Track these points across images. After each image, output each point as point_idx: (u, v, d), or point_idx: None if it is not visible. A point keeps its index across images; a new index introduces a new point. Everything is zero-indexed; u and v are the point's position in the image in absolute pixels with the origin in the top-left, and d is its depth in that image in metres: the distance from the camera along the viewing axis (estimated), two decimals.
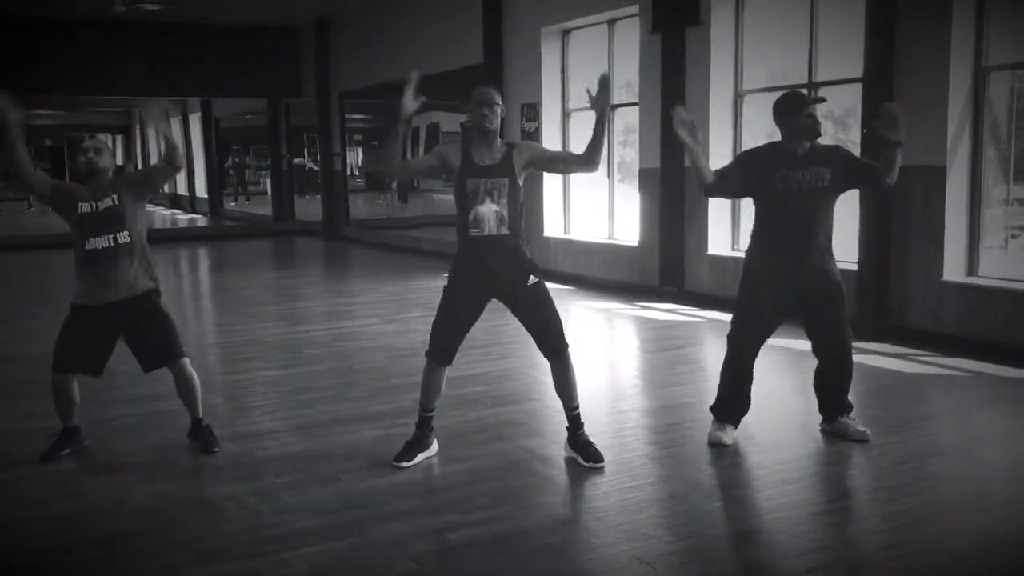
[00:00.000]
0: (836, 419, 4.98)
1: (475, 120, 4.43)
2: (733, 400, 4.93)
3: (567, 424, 4.71)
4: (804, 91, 4.92)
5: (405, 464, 4.61)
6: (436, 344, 4.61)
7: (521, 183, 4.51)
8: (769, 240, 4.76)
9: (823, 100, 4.84)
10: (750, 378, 4.91)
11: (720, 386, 4.97)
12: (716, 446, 4.83)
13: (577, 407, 4.68)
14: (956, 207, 7.23)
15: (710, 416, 5.01)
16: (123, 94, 20.18)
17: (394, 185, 22.76)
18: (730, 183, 4.84)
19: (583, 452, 4.61)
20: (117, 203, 4.71)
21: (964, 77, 7.14)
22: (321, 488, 4.36)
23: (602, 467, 4.53)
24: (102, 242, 4.68)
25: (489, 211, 4.41)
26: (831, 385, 4.97)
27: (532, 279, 4.50)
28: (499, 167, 4.43)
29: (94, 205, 4.69)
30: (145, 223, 4.93)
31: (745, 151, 5.02)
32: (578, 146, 12.41)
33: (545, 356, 4.63)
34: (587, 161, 4.50)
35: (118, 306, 4.73)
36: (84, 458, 4.84)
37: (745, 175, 4.77)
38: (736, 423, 4.94)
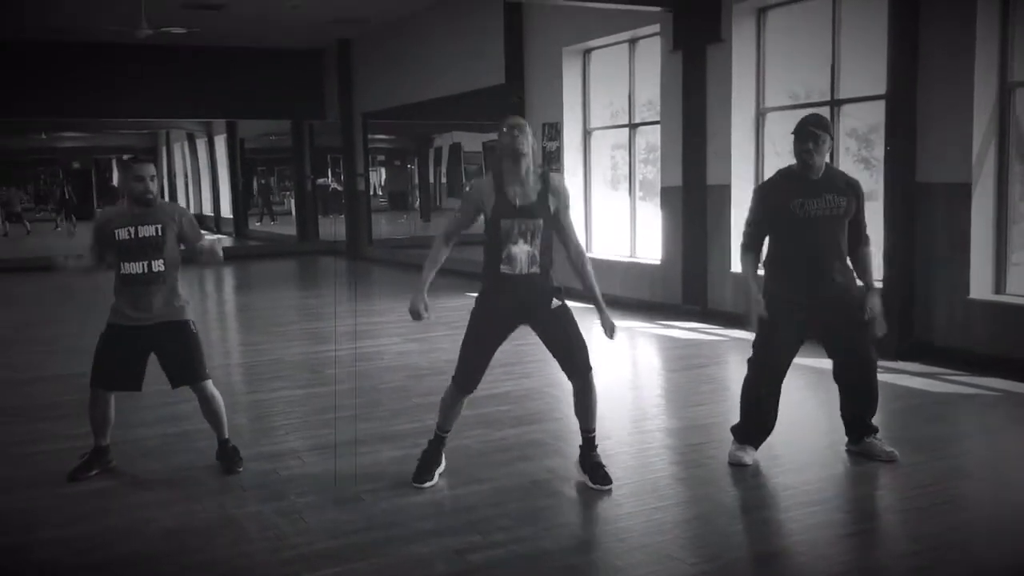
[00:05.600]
0: (862, 440, 4.93)
1: (507, 145, 4.39)
2: (754, 424, 4.88)
3: (580, 444, 4.67)
4: (823, 117, 4.84)
5: (428, 484, 4.59)
6: (462, 372, 4.59)
7: (555, 226, 4.52)
8: (785, 264, 4.74)
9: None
10: (773, 403, 4.85)
11: (741, 409, 4.93)
12: (736, 466, 4.80)
13: (593, 430, 4.63)
14: (982, 224, 7.16)
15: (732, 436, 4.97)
16: (149, 117, 20.41)
17: (417, 204, 22.86)
18: (762, 229, 4.79)
19: (592, 474, 4.57)
20: (159, 234, 4.72)
21: (989, 93, 7.09)
22: (343, 508, 4.36)
23: (609, 490, 4.49)
24: (136, 268, 4.71)
25: (522, 251, 4.40)
26: (857, 409, 4.92)
27: (555, 302, 4.49)
28: (534, 207, 4.40)
29: (132, 232, 4.70)
30: (179, 255, 4.94)
31: (757, 188, 4.97)
32: (599, 161, 12.33)
33: (568, 377, 4.60)
34: (575, 263, 4.64)
35: (149, 328, 4.77)
36: (108, 479, 4.87)
37: (767, 212, 4.74)
38: (757, 445, 4.90)
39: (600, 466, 4.59)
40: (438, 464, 4.71)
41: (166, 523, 4.25)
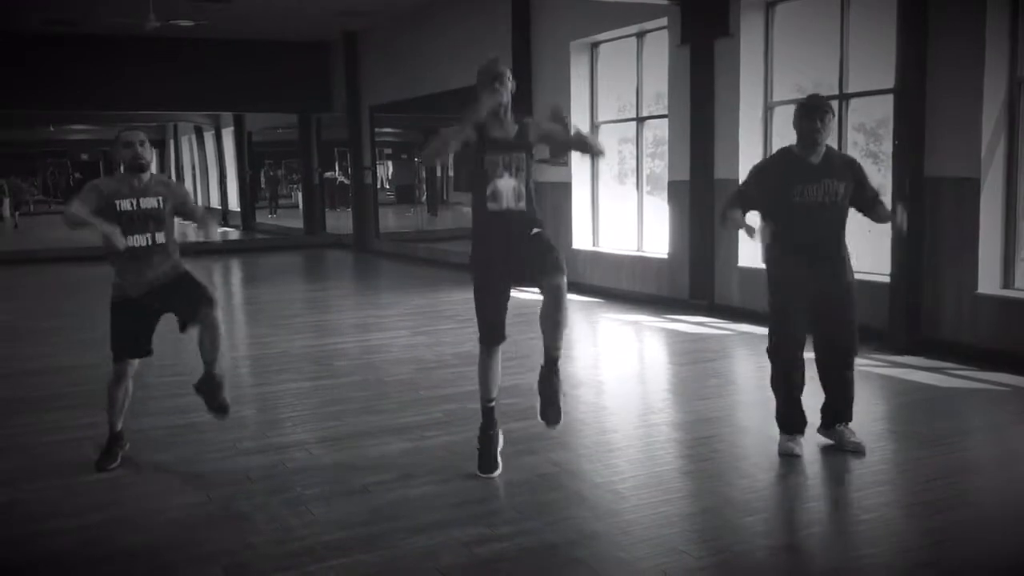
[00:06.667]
0: (833, 426, 4.94)
1: (489, 97, 4.43)
2: (795, 412, 4.89)
3: (542, 364, 4.50)
4: (822, 97, 4.83)
5: (496, 473, 4.58)
6: (483, 328, 4.59)
7: (534, 159, 4.54)
8: (786, 251, 4.76)
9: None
10: (802, 383, 4.87)
11: (777, 402, 4.93)
12: (787, 456, 4.80)
13: (559, 350, 4.45)
14: (991, 219, 7.13)
15: (741, 429, 4.97)
16: (157, 109, 20.44)
17: (424, 198, 22.85)
18: (749, 203, 4.83)
19: (545, 406, 4.51)
20: (160, 205, 4.77)
21: (998, 87, 7.05)
22: (349, 500, 4.37)
23: (554, 428, 4.57)
24: (140, 240, 4.72)
25: (508, 186, 4.41)
26: (830, 398, 4.94)
27: (535, 230, 4.47)
28: (516, 141, 4.46)
29: (134, 203, 4.72)
30: (175, 224, 4.99)
31: (756, 167, 4.97)
32: (606, 157, 12.30)
33: (539, 279, 4.36)
34: (585, 151, 4.59)
35: (154, 292, 4.79)
36: (115, 470, 4.88)
37: (762, 192, 4.77)
38: (803, 431, 4.90)
39: (556, 396, 4.48)
40: (497, 445, 4.66)
41: (173, 514, 4.27)
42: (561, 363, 4.56)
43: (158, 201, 4.76)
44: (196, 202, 4.98)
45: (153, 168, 4.89)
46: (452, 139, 4.40)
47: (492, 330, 4.58)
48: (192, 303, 4.83)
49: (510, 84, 4.47)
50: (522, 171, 4.44)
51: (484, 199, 4.44)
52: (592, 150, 4.64)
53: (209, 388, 4.92)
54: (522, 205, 4.44)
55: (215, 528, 4.10)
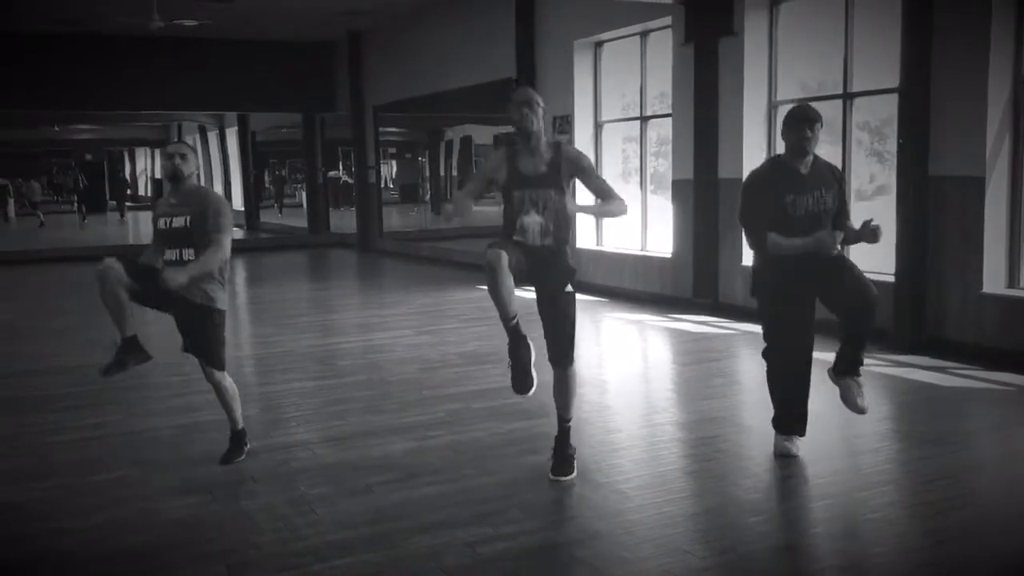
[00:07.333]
0: (844, 376, 4.75)
1: (516, 122, 4.40)
2: (791, 413, 4.84)
3: (556, 434, 4.65)
4: (810, 106, 4.73)
5: (532, 391, 4.41)
6: (493, 250, 4.21)
7: (569, 188, 4.49)
8: (784, 267, 4.65)
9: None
10: (804, 385, 4.81)
11: (773, 402, 4.90)
12: (784, 457, 4.78)
13: (570, 420, 4.65)
14: (996, 217, 7.12)
15: (745, 429, 4.96)
16: (161, 109, 20.48)
17: (427, 197, 22.88)
18: (767, 222, 4.64)
19: (559, 462, 4.58)
20: (188, 224, 4.78)
21: (1003, 86, 7.04)
22: (353, 500, 4.37)
23: (564, 481, 4.51)
24: (172, 255, 4.80)
25: (534, 222, 4.36)
26: (850, 340, 4.71)
27: (568, 288, 4.46)
28: (545, 177, 4.39)
29: (167, 222, 4.81)
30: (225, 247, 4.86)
31: (747, 180, 4.80)
32: (610, 154, 12.26)
33: (550, 362, 4.58)
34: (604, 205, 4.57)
35: (181, 298, 4.74)
36: (120, 469, 4.89)
37: (766, 204, 4.63)
38: (802, 432, 4.86)
39: (570, 460, 4.60)
40: (529, 361, 4.39)
41: (177, 514, 4.27)
42: (573, 426, 4.69)
43: (186, 220, 4.78)
44: (219, 226, 4.78)
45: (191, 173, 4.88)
46: (466, 199, 4.46)
47: (497, 254, 4.17)
48: (199, 351, 4.88)
49: (541, 112, 4.40)
50: (550, 208, 4.38)
51: (512, 228, 4.41)
52: (608, 214, 4.65)
53: (230, 442, 4.98)
54: (548, 241, 4.40)
55: (219, 528, 4.10)
